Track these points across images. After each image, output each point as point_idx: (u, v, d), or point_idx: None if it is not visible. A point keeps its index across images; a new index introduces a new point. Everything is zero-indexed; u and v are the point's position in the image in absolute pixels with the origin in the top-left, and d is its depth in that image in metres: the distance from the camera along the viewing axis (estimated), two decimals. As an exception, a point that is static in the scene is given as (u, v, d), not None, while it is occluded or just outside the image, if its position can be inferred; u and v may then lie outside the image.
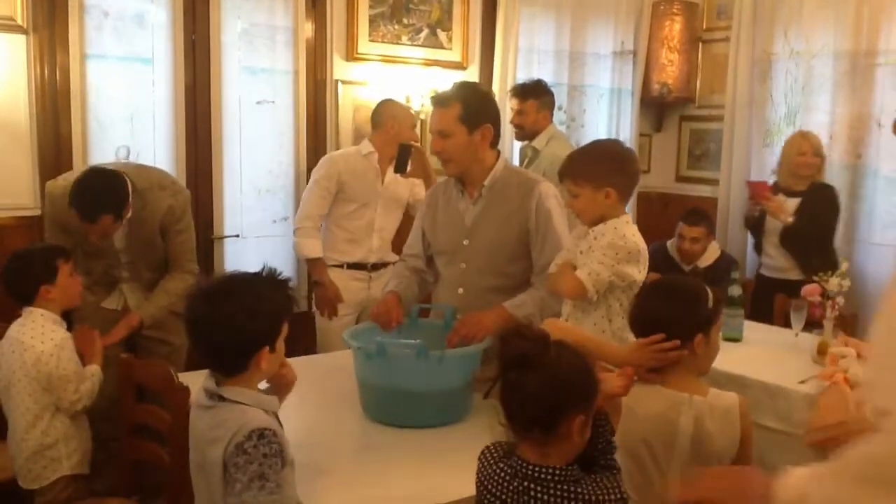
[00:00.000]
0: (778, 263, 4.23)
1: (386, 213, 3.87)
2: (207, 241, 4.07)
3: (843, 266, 3.25)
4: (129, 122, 3.76)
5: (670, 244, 4.29)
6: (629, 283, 2.30)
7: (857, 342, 2.90)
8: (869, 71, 4.57)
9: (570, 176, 2.37)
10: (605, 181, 2.32)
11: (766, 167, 5.06)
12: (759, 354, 3.28)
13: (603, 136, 5.28)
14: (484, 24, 4.89)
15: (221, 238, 4.16)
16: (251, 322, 1.71)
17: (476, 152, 2.66)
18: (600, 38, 5.27)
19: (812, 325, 3.34)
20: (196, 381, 1.88)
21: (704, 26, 5.57)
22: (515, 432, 1.57)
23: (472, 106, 2.63)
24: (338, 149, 4.44)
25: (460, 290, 2.68)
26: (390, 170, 3.76)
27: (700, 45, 5.58)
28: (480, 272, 2.66)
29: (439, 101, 2.69)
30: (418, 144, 3.87)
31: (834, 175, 4.72)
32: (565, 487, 1.51)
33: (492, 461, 1.61)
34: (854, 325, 3.65)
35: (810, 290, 3.28)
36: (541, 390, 1.51)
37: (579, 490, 1.51)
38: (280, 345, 1.79)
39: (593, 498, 1.51)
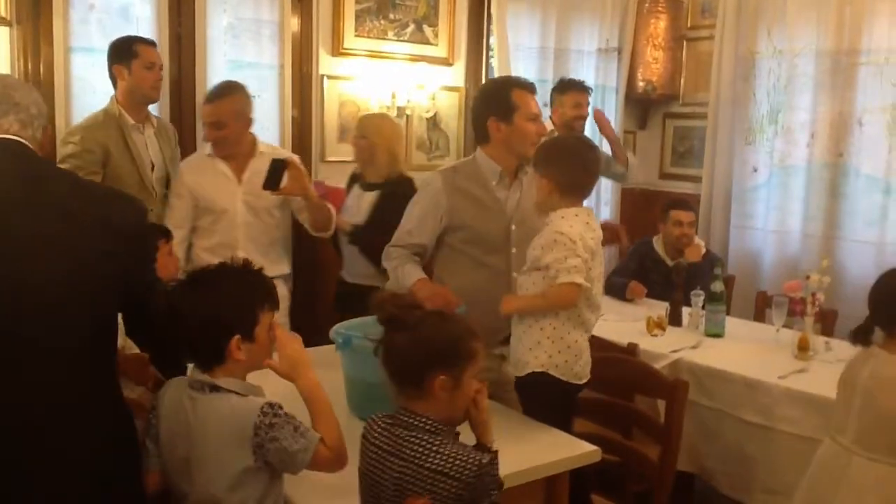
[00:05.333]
0: (355, 268, 3.65)
1: (253, 219, 3.32)
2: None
3: (824, 263, 3.29)
4: (115, 115, 3.75)
5: (656, 240, 4.30)
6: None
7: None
8: (851, 70, 4.62)
9: (533, 158, 2.56)
10: (544, 172, 2.41)
11: (749, 165, 5.11)
12: (741, 350, 3.32)
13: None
14: (470, 20, 4.90)
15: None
16: (215, 310, 1.76)
17: None
18: (585, 35, 5.30)
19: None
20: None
21: (689, 24, 5.61)
22: (395, 388, 1.75)
23: None
24: (323, 144, 4.45)
25: (515, 274, 2.61)
26: (251, 165, 3.28)
27: (684, 42, 5.61)
28: None
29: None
30: (295, 158, 3.27)
31: (815, 173, 4.77)
32: (429, 438, 1.68)
33: (377, 419, 1.77)
34: (834, 320, 3.70)
35: (792, 286, 3.32)
36: (406, 348, 1.71)
37: (440, 444, 1.66)
38: (261, 334, 1.80)
39: (450, 458, 1.64)
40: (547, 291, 2.33)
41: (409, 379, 1.71)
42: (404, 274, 2.71)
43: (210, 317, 1.75)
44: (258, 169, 3.23)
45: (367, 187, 3.67)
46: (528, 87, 2.77)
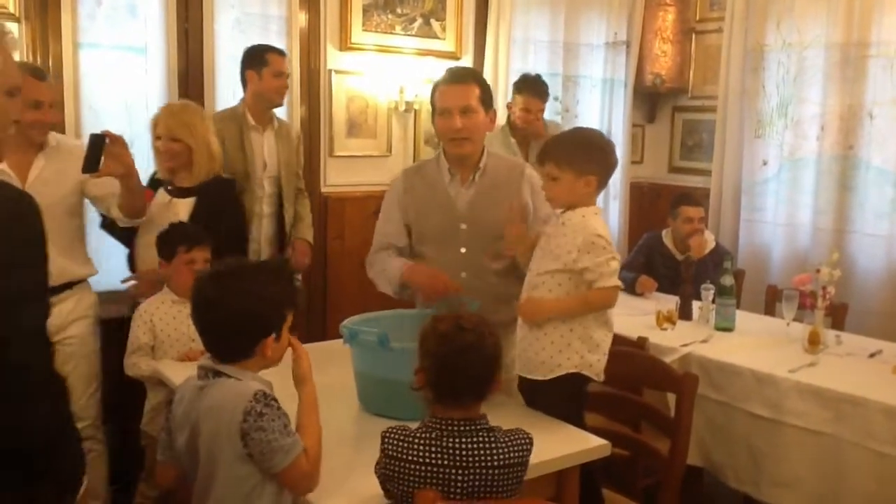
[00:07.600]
0: None
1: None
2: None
3: (834, 256, 3.28)
4: (124, 110, 3.75)
5: (665, 234, 4.29)
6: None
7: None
8: (860, 62, 4.59)
9: (553, 159, 2.35)
10: (587, 169, 2.32)
11: (759, 158, 5.09)
12: (751, 343, 3.31)
13: (596, 126, 5.29)
14: (478, 14, 4.89)
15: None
16: (260, 306, 1.74)
17: (484, 135, 2.70)
18: (594, 29, 5.28)
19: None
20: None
21: (697, 17, 5.59)
22: (445, 404, 1.74)
23: (486, 89, 2.68)
24: (332, 140, 4.45)
25: (463, 275, 2.62)
26: (34, 169, 2.83)
27: (693, 35, 5.59)
28: (485, 255, 2.63)
29: (460, 77, 2.68)
30: (115, 134, 2.76)
31: (825, 166, 4.75)
32: (483, 438, 1.71)
33: (405, 434, 1.74)
34: (844, 314, 3.68)
35: (802, 280, 3.31)
36: (481, 370, 1.74)
37: (494, 439, 1.72)
38: (285, 334, 1.81)
39: (509, 443, 1.73)
40: (589, 296, 2.29)
41: (476, 394, 1.75)
42: (389, 270, 2.68)
43: (252, 313, 1.74)
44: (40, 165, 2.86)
45: (180, 193, 3.16)
46: (451, 79, 2.67)
